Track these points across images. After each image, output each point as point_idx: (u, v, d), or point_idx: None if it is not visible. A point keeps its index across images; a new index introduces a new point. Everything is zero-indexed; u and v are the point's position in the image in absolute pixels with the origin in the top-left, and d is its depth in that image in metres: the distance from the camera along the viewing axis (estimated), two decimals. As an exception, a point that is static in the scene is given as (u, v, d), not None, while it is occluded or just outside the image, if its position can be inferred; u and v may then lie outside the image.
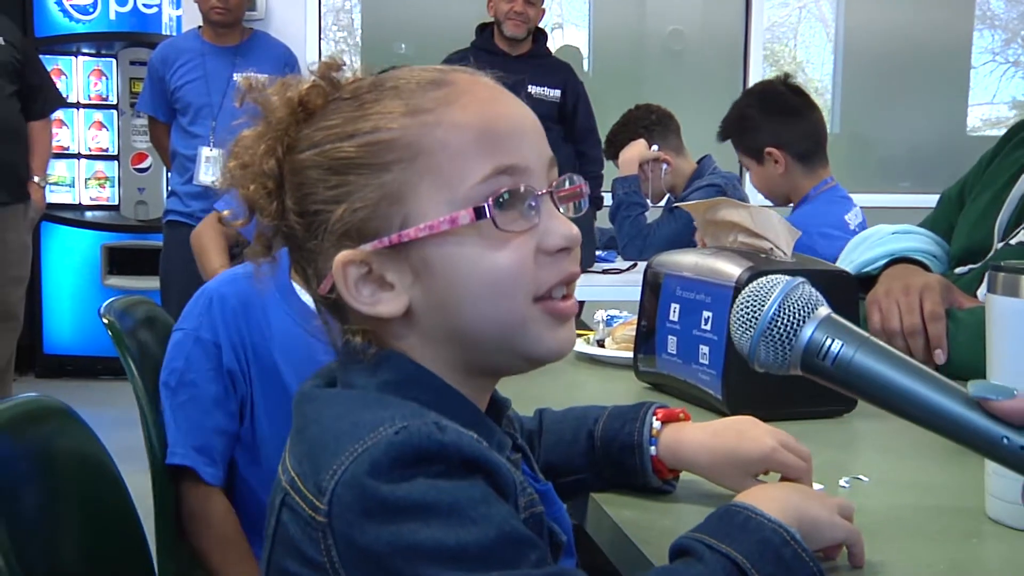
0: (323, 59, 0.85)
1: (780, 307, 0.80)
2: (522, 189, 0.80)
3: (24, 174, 4.01)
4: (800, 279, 0.82)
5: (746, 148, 2.84)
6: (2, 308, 4.01)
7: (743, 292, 0.83)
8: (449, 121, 0.80)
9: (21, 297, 4.11)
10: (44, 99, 4.11)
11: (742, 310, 0.82)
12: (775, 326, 0.79)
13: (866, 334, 0.78)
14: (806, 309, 0.80)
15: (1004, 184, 1.72)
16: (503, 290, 0.80)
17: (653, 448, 1.03)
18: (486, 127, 0.81)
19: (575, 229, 0.83)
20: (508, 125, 0.82)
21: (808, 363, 0.79)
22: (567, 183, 0.85)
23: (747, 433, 1.01)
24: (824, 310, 0.80)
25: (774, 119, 2.79)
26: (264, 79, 0.85)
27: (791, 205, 2.88)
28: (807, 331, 0.79)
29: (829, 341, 0.78)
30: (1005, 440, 0.69)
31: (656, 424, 1.04)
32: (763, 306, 0.80)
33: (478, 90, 0.83)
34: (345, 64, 0.85)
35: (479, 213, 0.78)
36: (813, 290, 0.82)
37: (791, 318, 0.79)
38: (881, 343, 0.78)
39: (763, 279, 0.83)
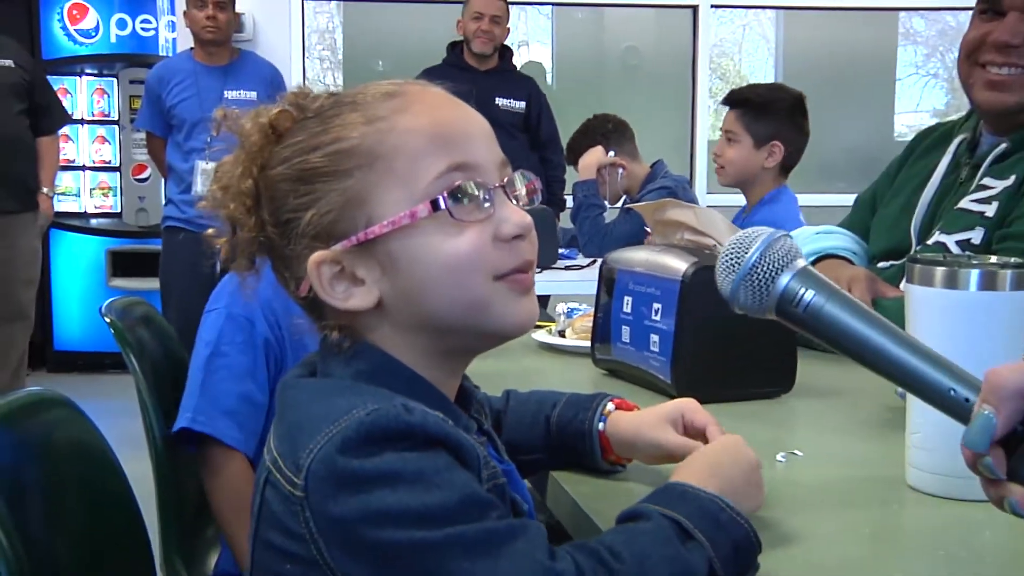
0: (292, 89, 0.86)
1: (762, 255, 0.80)
2: (475, 183, 0.80)
3: (33, 185, 4.00)
4: (783, 232, 0.83)
5: (756, 128, 2.79)
6: (15, 308, 3.98)
7: (729, 240, 0.83)
8: (403, 126, 0.80)
9: (32, 298, 4.09)
10: (51, 117, 4.12)
11: (727, 256, 0.82)
12: (755, 272, 0.80)
13: (837, 287, 0.79)
14: (785, 259, 0.80)
15: (913, 190, 1.74)
16: (464, 273, 0.80)
17: (601, 424, 1.03)
18: (437, 129, 0.81)
19: (528, 217, 0.83)
20: (458, 127, 0.83)
21: (782, 309, 0.79)
22: (519, 180, 0.85)
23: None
24: (801, 262, 0.80)
25: (792, 124, 2.83)
26: (237, 111, 0.86)
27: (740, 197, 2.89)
28: (784, 279, 0.79)
29: (803, 290, 0.78)
30: (952, 392, 0.70)
31: (610, 406, 1.04)
32: (746, 253, 0.80)
33: (428, 97, 0.84)
34: (310, 93, 0.85)
35: (435, 205, 0.79)
36: (794, 243, 0.82)
37: (770, 266, 0.80)
38: (850, 296, 0.78)
39: (749, 229, 0.83)
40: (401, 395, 0.77)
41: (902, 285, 1.63)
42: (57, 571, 0.98)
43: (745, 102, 2.82)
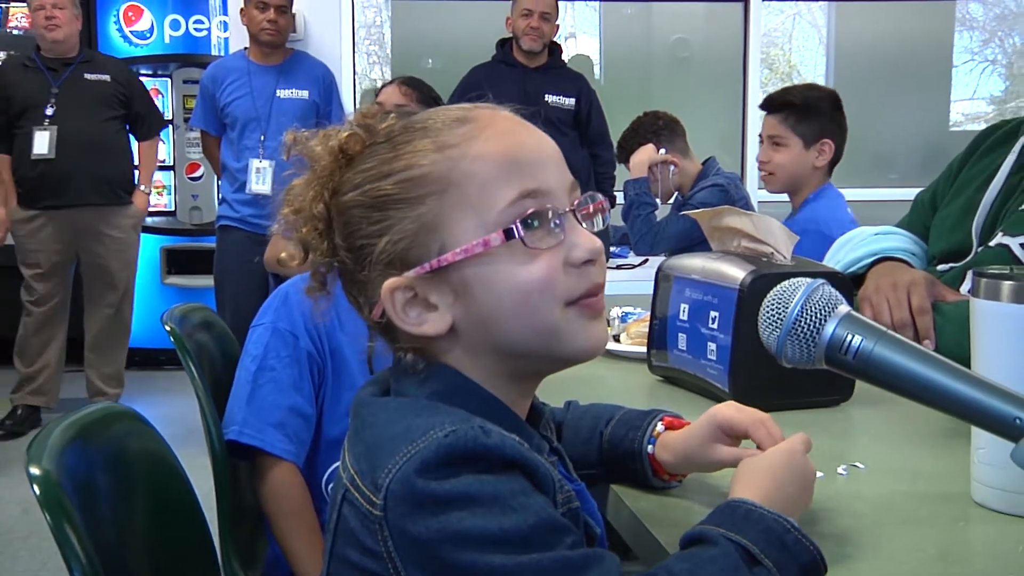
0: (358, 110, 0.86)
1: (803, 307, 0.79)
2: (547, 210, 0.80)
3: (119, 183, 4.35)
4: (821, 280, 0.82)
5: (804, 128, 2.74)
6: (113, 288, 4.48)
7: (769, 295, 0.82)
8: (474, 153, 0.80)
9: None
10: (149, 124, 4.50)
11: (768, 311, 0.81)
12: (800, 325, 0.79)
13: (884, 328, 0.78)
14: (827, 308, 0.79)
15: (976, 190, 1.71)
16: (537, 300, 0.80)
17: (651, 447, 1.03)
18: (508, 156, 0.81)
19: (598, 242, 0.83)
20: (529, 153, 0.82)
21: (832, 358, 0.79)
22: (588, 202, 0.85)
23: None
24: (844, 308, 0.80)
25: (836, 120, 2.78)
26: (307, 134, 0.86)
27: (789, 203, 2.85)
28: (829, 328, 0.79)
29: (850, 336, 0.78)
30: (1017, 421, 0.70)
31: (660, 427, 1.03)
32: (787, 307, 0.80)
33: (499, 123, 0.83)
34: (378, 114, 0.85)
35: (509, 234, 0.79)
36: (833, 290, 0.81)
37: (814, 317, 0.79)
38: (898, 336, 0.77)
39: (786, 282, 0.82)
40: (477, 415, 0.77)
41: (963, 289, 1.62)
42: (127, 575, 1.01)
43: (787, 104, 2.77)
